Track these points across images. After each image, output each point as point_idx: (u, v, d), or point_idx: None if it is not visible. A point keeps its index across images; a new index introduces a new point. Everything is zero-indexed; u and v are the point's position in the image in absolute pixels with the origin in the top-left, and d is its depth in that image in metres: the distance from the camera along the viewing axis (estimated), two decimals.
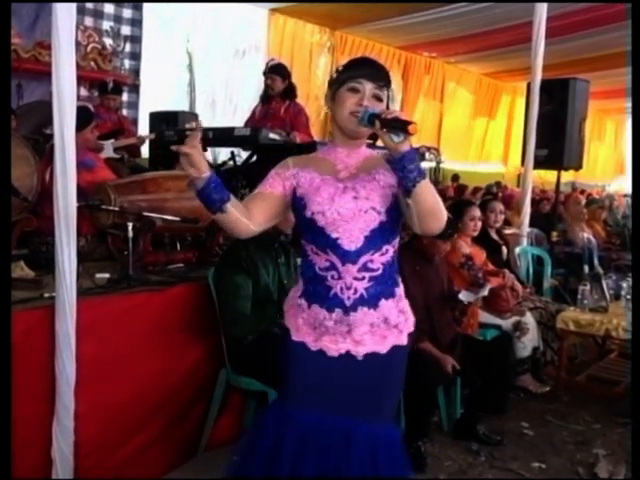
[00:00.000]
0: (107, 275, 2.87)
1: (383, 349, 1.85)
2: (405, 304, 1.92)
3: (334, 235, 1.79)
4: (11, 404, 2.00)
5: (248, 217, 1.80)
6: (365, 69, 1.82)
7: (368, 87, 1.78)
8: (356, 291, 1.80)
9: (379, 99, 1.80)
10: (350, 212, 1.79)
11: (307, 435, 1.83)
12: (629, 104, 10.39)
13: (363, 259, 1.80)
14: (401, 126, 1.60)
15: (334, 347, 1.83)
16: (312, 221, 1.82)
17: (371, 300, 1.82)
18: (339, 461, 1.81)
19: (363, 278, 1.80)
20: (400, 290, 1.91)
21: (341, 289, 1.80)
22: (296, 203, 1.87)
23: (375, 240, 1.81)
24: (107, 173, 3.68)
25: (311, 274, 1.85)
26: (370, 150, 1.92)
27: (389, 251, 1.84)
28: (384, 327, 1.84)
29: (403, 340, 1.88)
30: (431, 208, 1.71)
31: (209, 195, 1.70)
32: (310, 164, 1.89)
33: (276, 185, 1.86)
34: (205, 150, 4.47)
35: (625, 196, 12.48)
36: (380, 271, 1.82)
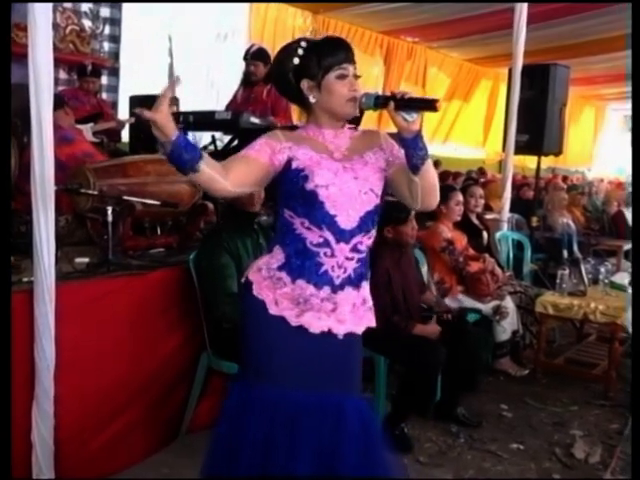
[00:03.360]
0: (87, 259, 2.85)
1: (359, 329, 1.88)
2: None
3: (332, 212, 1.79)
4: (10, 400, 1.99)
5: (225, 177, 1.72)
6: (342, 52, 1.82)
7: (351, 69, 1.81)
8: (345, 270, 1.82)
9: (357, 77, 1.83)
10: (351, 191, 1.81)
11: (299, 415, 1.79)
12: (629, 88, 10.42)
13: (354, 240, 1.82)
14: (426, 104, 1.71)
15: (316, 324, 1.82)
16: (313, 194, 1.78)
17: (356, 281, 1.85)
18: (333, 436, 1.79)
19: (352, 259, 1.83)
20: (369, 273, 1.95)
21: (332, 267, 1.81)
22: (292, 176, 1.80)
23: (367, 222, 1.84)
24: (86, 146, 3.68)
25: (299, 248, 1.81)
26: (350, 129, 1.92)
27: (372, 236, 1.89)
28: (362, 308, 1.88)
29: (373, 322, 1.92)
30: (434, 183, 1.85)
31: (179, 156, 1.63)
32: (304, 142, 1.84)
33: (263, 153, 1.79)
34: (186, 134, 4.43)
35: (602, 181, 12.59)
36: (364, 254, 1.87)
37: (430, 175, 1.81)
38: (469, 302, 4.05)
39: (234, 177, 1.74)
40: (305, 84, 1.82)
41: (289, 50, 1.84)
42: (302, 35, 8.92)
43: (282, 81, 1.87)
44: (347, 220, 1.80)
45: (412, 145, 1.73)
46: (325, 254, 1.80)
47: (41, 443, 2.34)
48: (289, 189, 1.83)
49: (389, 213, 2.96)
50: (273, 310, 1.82)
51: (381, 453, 1.86)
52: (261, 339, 1.85)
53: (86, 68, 5.15)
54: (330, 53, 1.81)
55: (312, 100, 1.82)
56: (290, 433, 1.78)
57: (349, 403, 1.84)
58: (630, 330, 3.87)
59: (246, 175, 1.78)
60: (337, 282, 1.82)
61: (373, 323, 1.92)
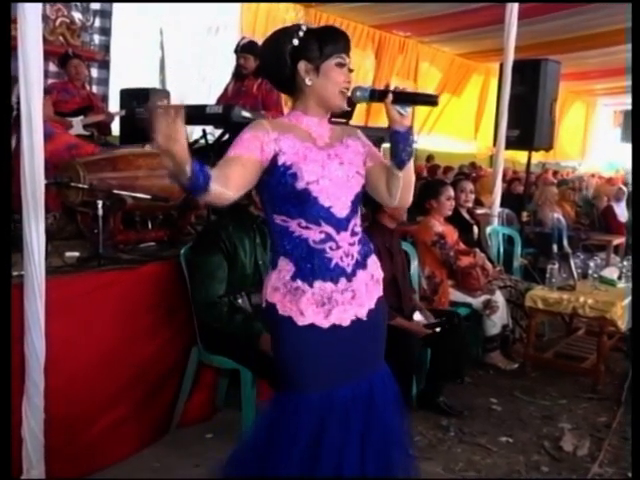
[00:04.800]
0: (77, 254, 2.85)
1: (373, 304, 1.89)
2: (375, 256, 1.96)
3: (327, 204, 1.79)
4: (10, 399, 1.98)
5: (227, 186, 1.66)
6: (343, 42, 1.83)
7: (347, 61, 1.83)
8: (353, 257, 1.83)
9: (351, 71, 1.85)
10: (340, 178, 1.81)
11: (348, 413, 1.79)
12: (629, 82, 10.44)
13: (351, 225, 1.84)
14: (428, 99, 1.77)
15: (345, 317, 1.82)
16: (305, 192, 1.76)
17: (362, 261, 1.87)
18: (367, 417, 1.83)
19: (354, 243, 1.84)
20: (371, 245, 1.96)
21: (341, 258, 1.81)
22: (279, 174, 1.76)
23: (356, 204, 1.87)
24: (68, 137, 3.63)
25: (303, 251, 1.79)
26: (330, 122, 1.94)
27: (360, 212, 1.91)
28: (371, 284, 1.90)
29: (381, 291, 1.94)
30: (412, 179, 1.88)
31: (196, 181, 1.55)
32: (288, 130, 1.82)
33: (254, 149, 1.74)
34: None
35: (592, 176, 12.66)
36: (360, 233, 1.89)
37: (411, 171, 1.85)
38: (460, 296, 4.08)
39: (234, 184, 1.70)
40: (303, 66, 1.79)
41: (288, 31, 1.82)
42: None
43: (275, 61, 1.82)
44: (342, 208, 1.81)
45: (403, 139, 1.75)
46: (331, 248, 1.79)
47: (31, 437, 2.34)
48: (279, 191, 1.78)
49: None
50: (301, 321, 1.79)
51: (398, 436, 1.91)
52: (297, 353, 1.81)
53: (67, 54, 5.11)
54: (332, 40, 1.81)
55: (308, 83, 1.80)
56: (342, 429, 1.78)
57: (376, 380, 1.87)
58: (619, 325, 3.90)
59: (244, 177, 1.73)
60: (349, 270, 1.82)
61: (381, 292, 1.94)
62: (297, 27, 1.83)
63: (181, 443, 2.94)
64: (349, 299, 1.82)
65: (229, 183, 1.68)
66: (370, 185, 1.91)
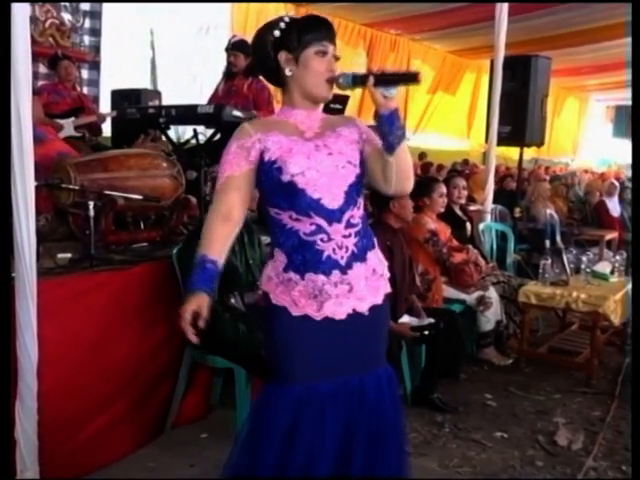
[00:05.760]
0: (69, 255, 2.83)
1: (379, 299, 1.87)
2: (380, 251, 1.94)
3: (316, 195, 1.77)
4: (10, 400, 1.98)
5: (233, 220, 1.83)
6: (324, 30, 1.81)
7: (330, 49, 1.81)
8: (347, 249, 1.80)
9: (337, 59, 1.83)
10: (328, 169, 1.79)
11: (323, 407, 1.78)
12: (623, 77, 10.49)
13: (346, 216, 1.80)
14: (408, 77, 1.74)
15: (340, 310, 1.80)
16: (291, 184, 1.76)
17: (361, 254, 1.83)
18: (356, 415, 1.81)
19: (350, 235, 1.81)
20: (375, 239, 1.93)
21: (333, 250, 1.78)
22: (266, 169, 1.79)
23: (352, 195, 1.82)
24: (60, 144, 3.61)
25: (294, 243, 1.79)
26: (323, 113, 1.92)
27: (362, 204, 1.87)
28: (374, 278, 1.86)
29: (388, 287, 1.92)
30: (408, 166, 1.83)
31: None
32: (272, 127, 1.83)
33: (242, 161, 1.79)
34: (168, 128, 4.42)
35: (585, 172, 12.70)
36: (360, 225, 1.84)
37: (406, 157, 1.80)
38: (453, 293, 4.09)
39: (239, 212, 1.84)
40: (283, 56, 1.80)
41: (271, 24, 1.84)
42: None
43: (261, 53, 1.85)
44: (332, 199, 1.78)
45: (389, 122, 1.71)
46: (322, 240, 1.77)
47: (25, 439, 2.33)
48: (268, 186, 1.82)
49: None
50: (295, 312, 1.79)
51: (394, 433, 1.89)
52: (288, 342, 1.81)
53: (56, 55, 5.10)
54: (311, 29, 1.80)
55: (288, 73, 1.80)
56: (315, 426, 1.77)
57: (370, 379, 1.85)
58: (612, 319, 3.92)
59: (244, 198, 1.84)
60: (343, 262, 1.79)
61: (388, 288, 1.92)
62: (280, 18, 1.84)
63: (176, 443, 2.94)
64: (345, 292, 1.80)
65: (232, 212, 1.82)
66: (368, 172, 1.86)
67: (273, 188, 1.80)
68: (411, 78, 1.73)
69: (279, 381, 1.81)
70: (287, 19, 1.83)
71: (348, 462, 1.79)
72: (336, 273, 1.79)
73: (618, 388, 3.79)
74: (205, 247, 1.81)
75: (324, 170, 1.78)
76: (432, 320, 3.53)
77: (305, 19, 1.87)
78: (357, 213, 1.84)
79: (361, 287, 1.82)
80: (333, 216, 1.78)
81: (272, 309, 1.83)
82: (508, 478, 2.81)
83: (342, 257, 1.79)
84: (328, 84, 1.80)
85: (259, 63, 1.90)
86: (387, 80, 1.71)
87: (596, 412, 3.50)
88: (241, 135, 1.83)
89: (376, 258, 1.90)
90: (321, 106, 1.91)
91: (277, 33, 1.80)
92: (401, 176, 1.81)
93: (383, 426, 1.85)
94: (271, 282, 1.84)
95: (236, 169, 1.80)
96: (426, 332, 3.36)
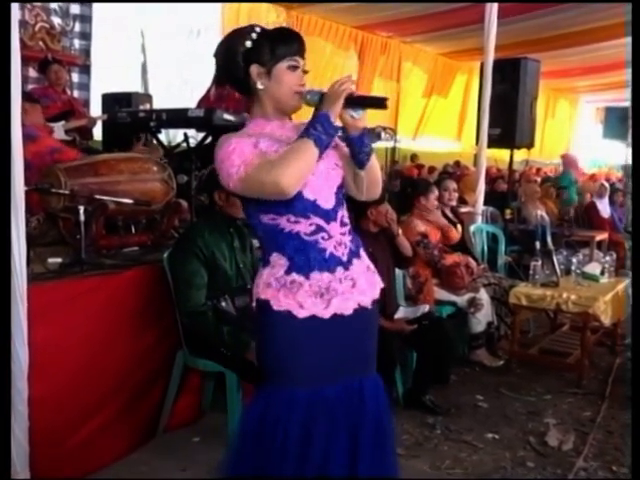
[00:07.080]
0: (59, 260, 2.83)
1: (377, 294, 1.92)
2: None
3: (312, 197, 1.79)
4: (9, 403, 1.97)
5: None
6: (296, 44, 1.82)
7: (301, 63, 1.82)
8: (346, 245, 1.84)
9: (305, 72, 1.85)
10: (322, 171, 1.81)
11: (333, 410, 1.79)
12: (621, 77, 10.52)
13: (339, 215, 1.85)
14: (376, 102, 1.76)
15: (348, 305, 1.82)
16: None
17: (356, 251, 1.88)
18: (356, 419, 1.82)
19: (345, 233, 1.85)
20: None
21: (335, 247, 1.81)
22: None
23: (340, 196, 1.87)
24: (51, 141, 3.61)
25: (296, 244, 1.78)
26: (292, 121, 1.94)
27: (345, 204, 1.91)
28: (369, 274, 1.91)
29: (381, 282, 1.96)
30: (377, 174, 1.91)
31: None
32: (261, 135, 1.81)
33: (250, 146, 1.75)
34: (159, 132, 4.42)
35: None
36: (349, 224, 1.89)
37: (375, 167, 1.87)
38: (444, 295, 4.10)
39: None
40: (255, 69, 1.79)
41: (241, 33, 1.82)
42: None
43: (229, 63, 1.82)
44: (326, 200, 1.82)
45: (358, 142, 1.78)
46: (323, 238, 1.80)
47: (16, 445, 2.31)
48: None
49: None
50: (301, 314, 1.77)
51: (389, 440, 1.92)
52: (294, 346, 1.79)
53: (46, 59, 5.10)
54: (284, 42, 1.80)
55: (260, 87, 1.80)
56: (327, 428, 1.78)
57: (368, 384, 1.87)
58: (602, 319, 3.94)
59: None
60: (345, 259, 1.82)
61: (382, 284, 1.96)
62: (251, 28, 1.82)
63: (168, 447, 2.94)
64: (349, 287, 1.82)
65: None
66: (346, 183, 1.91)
67: None
68: (378, 103, 1.77)
69: (286, 385, 1.79)
70: (258, 29, 1.81)
71: (355, 463, 1.81)
72: (340, 270, 1.82)
73: (608, 388, 3.82)
74: None
75: (318, 172, 1.80)
76: (426, 307, 3.56)
77: (277, 31, 1.87)
78: (346, 213, 1.89)
79: (362, 282, 1.86)
80: (329, 215, 1.82)
81: (274, 316, 1.79)
82: (499, 479, 2.83)
83: (343, 254, 1.83)
84: (298, 96, 1.81)
85: (227, 72, 1.87)
86: (355, 102, 1.73)
87: (587, 413, 3.53)
88: (235, 136, 1.80)
89: (366, 256, 1.94)
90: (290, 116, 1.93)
91: (248, 44, 1.79)
92: (371, 184, 1.89)
93: (381, 427, 1.88)
94: (270, 288, 1.80)
95: (253, 150, 1.74)
96: (425, 322, 3.38)
